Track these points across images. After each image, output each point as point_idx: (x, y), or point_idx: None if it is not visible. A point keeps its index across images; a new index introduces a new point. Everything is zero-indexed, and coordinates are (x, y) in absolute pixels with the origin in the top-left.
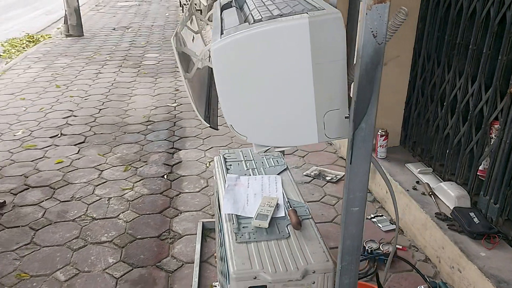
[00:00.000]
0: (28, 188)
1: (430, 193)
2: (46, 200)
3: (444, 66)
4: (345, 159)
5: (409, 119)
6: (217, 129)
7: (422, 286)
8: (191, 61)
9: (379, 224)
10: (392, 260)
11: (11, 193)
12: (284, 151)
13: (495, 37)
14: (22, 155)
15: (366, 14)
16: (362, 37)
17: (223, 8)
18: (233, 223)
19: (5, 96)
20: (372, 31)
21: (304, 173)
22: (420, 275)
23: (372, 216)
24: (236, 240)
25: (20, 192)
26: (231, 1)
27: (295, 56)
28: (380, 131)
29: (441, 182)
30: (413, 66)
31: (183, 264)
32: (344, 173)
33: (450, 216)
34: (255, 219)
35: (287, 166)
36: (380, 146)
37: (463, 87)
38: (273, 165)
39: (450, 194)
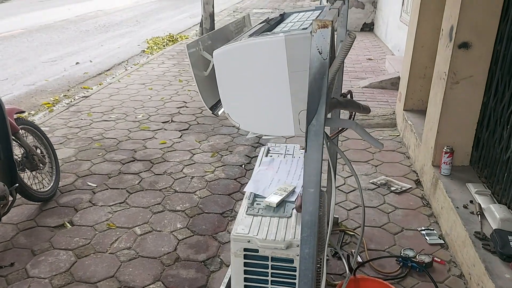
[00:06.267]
0: (134, 160)
1: (478, 212)
2: (144, 171)
3: None
4: (417, 173)
5: (481, 140)
6: (218, 116)
7: None
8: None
9: (426, 237)
10: (424, 271)
11: (121, 162)
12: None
13: None
14: (137, 134)
15: (313, 35)
16: (310, 54)
17: (260, 23)
18: (249, 200)
19: (138, 85)
20: (318, 49)
21: (371, 181)
22: (433, 282)
23: (423, 228)
24: (246, 212)
25: (127, 162)
26: (271, 19)
27: (276, 64)
28: (445, 147)
29: (493, 204)
30: (489, 87)
31: None
32: (410, 186)
33: (489, 237)
34: (267, 198)
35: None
36: (444, 162)
37: None
38: None
39: (496, 216)
